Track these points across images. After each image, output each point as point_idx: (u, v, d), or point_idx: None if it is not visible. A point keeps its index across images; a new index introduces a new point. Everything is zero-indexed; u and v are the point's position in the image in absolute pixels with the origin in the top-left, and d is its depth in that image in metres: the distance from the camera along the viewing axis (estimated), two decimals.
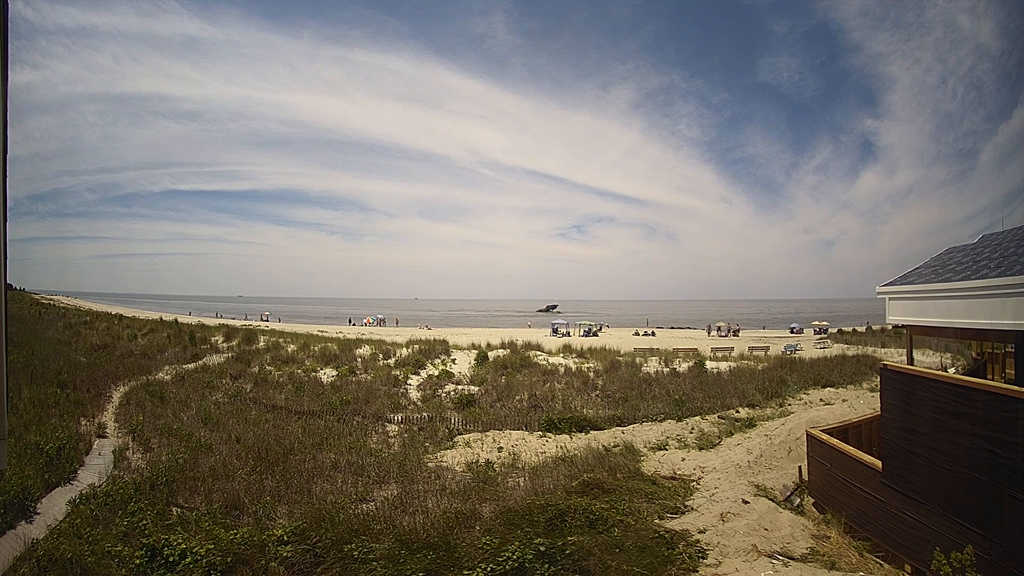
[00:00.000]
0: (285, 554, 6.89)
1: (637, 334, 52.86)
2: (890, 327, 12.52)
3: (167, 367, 22.58)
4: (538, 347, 31.23)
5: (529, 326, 67.10)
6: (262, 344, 30.95)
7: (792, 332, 56.97)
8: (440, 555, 6.84)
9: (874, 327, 46.53)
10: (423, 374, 23.64)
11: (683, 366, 25.58)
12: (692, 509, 8.92)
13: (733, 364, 26.98)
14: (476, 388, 20.64)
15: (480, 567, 6.48)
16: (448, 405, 18.40)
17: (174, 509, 8.86)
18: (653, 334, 53.09)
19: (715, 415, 16.24)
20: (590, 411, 17.36)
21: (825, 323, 60.94)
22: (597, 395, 20.05)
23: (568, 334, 50.63)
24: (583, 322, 60.18)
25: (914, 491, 6.64)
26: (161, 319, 44.20)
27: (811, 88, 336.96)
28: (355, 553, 6.90)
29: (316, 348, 29.52)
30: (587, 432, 15.01)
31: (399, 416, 16.88)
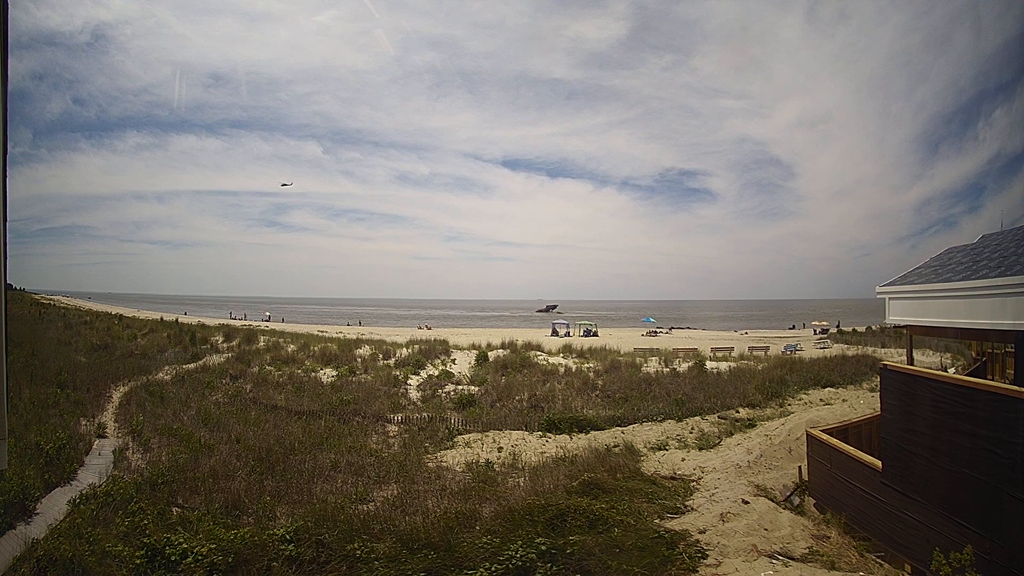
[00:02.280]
0: (289, 553, 6.89)
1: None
2: (890, 327, 12.51)
3: (167, 367, 22.57)
4: (538, 347, 31.22)
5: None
6: (262, 344, 30.91)
7: (792, 331, 57.08)
8: (441, 555, 6.85)
9: (874, 328, 46.47)
10: (423, 374, 23.61)
11: (683, 366, 25.56)
12: (692, 509, 8.93)
13: (733, 364, 26.96)
14: (476, 388, 20.62)
15: (482, 567, 6.49)
16: (448, 405, 18.39)
17: (174, 509, 8.86)
18: (655, 334, 53.30)
19: (715, 415, 16.25)
20: (590, 411, 17.35)
21: (825, 323, 61.02)
22: (597, 395, 20.04)
23: (568, 334, 50.74)
24: (583, 322, 60.35)
25: (914, 491, 6.65)
26: (161, 319, 44.15)
27: None
28: (358, 552, 6.90)
29: (316, 348, 29.49)
30: (587, 432, 15.01)
31: (399, 416, 16.87)
